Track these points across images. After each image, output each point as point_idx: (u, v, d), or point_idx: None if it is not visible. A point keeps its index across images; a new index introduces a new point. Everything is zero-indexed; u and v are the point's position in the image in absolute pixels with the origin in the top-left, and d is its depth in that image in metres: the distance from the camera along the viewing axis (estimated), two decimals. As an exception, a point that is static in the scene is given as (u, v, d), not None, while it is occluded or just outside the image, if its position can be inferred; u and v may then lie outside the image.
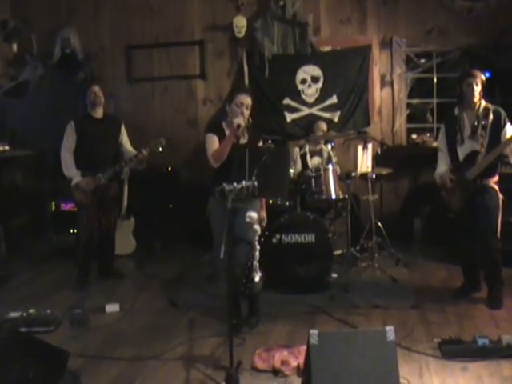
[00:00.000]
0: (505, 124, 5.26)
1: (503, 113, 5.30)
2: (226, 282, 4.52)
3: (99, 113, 6.38)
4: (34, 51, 8.67)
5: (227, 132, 4.97)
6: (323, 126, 7.35)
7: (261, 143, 5.12)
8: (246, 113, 4.92)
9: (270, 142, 4.93)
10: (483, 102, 5.33)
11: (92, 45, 8.69)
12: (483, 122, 5.24)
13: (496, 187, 5.34)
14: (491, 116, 5.26)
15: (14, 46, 8.67)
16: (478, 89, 5.24)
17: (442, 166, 5.52)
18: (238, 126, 4.77)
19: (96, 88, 6.35)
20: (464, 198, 5.35)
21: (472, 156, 5.27)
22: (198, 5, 8.45)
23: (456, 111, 5.46)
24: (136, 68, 8.70)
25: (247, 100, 4.93)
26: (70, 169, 6.23)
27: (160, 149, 6.35)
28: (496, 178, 5.35)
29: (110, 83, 8.69)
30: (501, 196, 5.34)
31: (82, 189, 6.19)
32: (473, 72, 5.31)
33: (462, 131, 5.34)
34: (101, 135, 6.30)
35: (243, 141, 4.95)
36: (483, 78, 5.28)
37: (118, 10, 8.63)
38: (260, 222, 4.99)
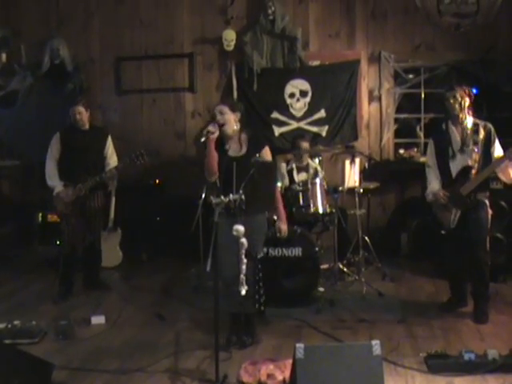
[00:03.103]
0: (494, 140, 5.31)
1: (492, 128, 5.33)
2: (222, 296, 4.53)
3: (86, 123, 6.38)
4: (23, 61, 8.66)
5: (226, 146, 4.96)
6: (305, 144, 7.28)
7: (267, 150, 5.01)
8: (221, 117, 4.87)
9: (257, 155, 4.86)
10: (471, 118, 5.36)
11: (81, 56, 8.69)
12: (474, 138, 5.28)
13: (487, 202, 5.37)
14: (482, 131, 5.29)
15: (3, 56, 8.64)
16: (457, 102, 5.27)
17: (434, 183, 5.51)
18: (208, 131, 4.72)
19: (80, 109, 6.27)
20: (457, 214, 5.35)
21: (466, 171, 5.29)
22: (188, 18, 8.48)
23: (445, 127, 5.48)
24: (125, 80, 8.70)
25: (218, 108, 4.93)
26: (52, 179, 6.25)
27: (142, 161, 6.33)
28: (487, 193, 5.38)
29: (99, 94, 8.71)
30: (490, 211, 5.38)
31: (62, 199, 6.18)
32: (452, 86, 5.36)
33: (452, 145, 5.36)
34: (85, 147, 6.27)
35: (241, 152, 4.92)
36: (467, 92, 5.31)
37: (108, 22, 8.64)
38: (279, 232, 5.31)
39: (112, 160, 6.47)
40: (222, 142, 4.95)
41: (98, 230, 6.70)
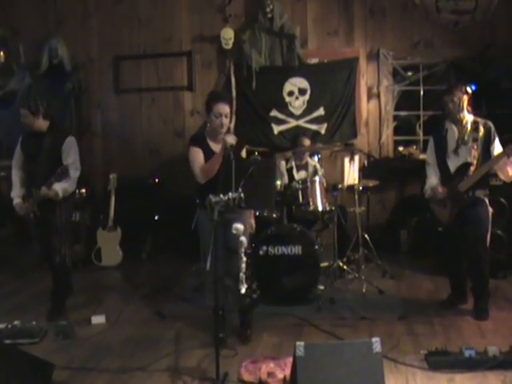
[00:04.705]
0: (494, 138, 5.31)
1: (492, 126, 5.33)
2: (212, 294, 4.50)
3: (41, 128, 5.65)
4: (22, 61, 8.66)
5: (211, 144, 4.90)
6: (306, 141, 7.31)
7: (244, 151, 5.01)
8: (226, 121, 4.80)
9: (256, 154, 4.84)
10: (471, 116, 5.36)
11: (80, 55, 8.70)
12: (474, 135, 5.28)
13: (486, 200, 5.36)
14: (481, 129, 5.28)
15: (1, 56, 8.64)
16: (456, 104, 5.25)
17: (433, 179, 5.51)
18: (231, 146, 4.60)
19: (24, 112, 5.55)
20: (454, 210, 5.36)
21: (464, 168, 5.28)
22: (186, 16, 8.48)
23: (445, 125, 5.47)
24: (124, 79, 8.71)
25: (225, 109, 4.79)
26: (13, 189, 5.74)
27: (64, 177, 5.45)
28: (487, 191, 5.37)
29: (98, 94, 8.72)
30: (490, 209, 5.37)
31: (17, 212, 5.70)
32: (450, 89, 5.34)
33: (452, 144, 5.36)
34: (39, 153, 5.60)
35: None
36: (464, 90, 5.29)
37: (106, 21, 8.64)
38: (250, 229, 5.02)
39: (71, 169, 5.51)
40: (205, 141, 4.92)
41: (58, 247, 5.73)
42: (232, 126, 4.82)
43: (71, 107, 8.55)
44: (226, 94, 7.18)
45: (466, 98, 5.28)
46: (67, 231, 5.81)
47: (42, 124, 5.62)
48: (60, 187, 5.45)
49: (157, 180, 8.32)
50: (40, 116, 5.59)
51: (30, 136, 5.72)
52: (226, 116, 4.80)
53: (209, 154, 4.85)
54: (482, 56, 7.73)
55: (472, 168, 5.25)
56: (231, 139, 4.66)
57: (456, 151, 5.33)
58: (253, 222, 5.20)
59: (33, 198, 5.53)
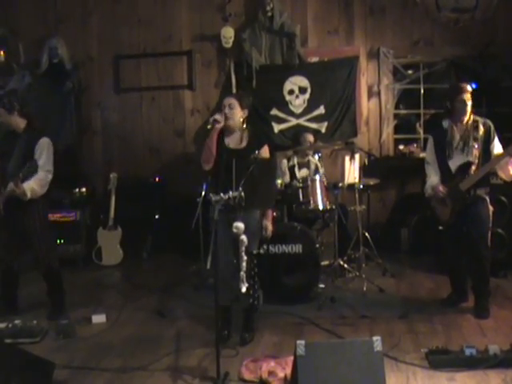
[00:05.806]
0: (494, 137, 5.30)
1: (492, 125, 5.32)
2: (218, 292, 4.51)
3: (17, 126, 5.46)
4: (22, 60, 8.65)
5: (226, 139, 4.96)
6: (310, 137, 7.38)
7: (266, 148, 4.97)
8: (229, 111, 4.85)
9: (256, 152, 4.85)
10: (471, 115, 5.35)
11: (80, 54, 8.70)
12: (474, 134, 5.27)
13: (487, 198, 5.36)
14: (481, 128, 5.28)
15: (1, 55, 8.63)
16: (465, 103, 5.24)
17: (434, 178, 5.50)
18: (214, 120, 4.75)
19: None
20: (456, 209, 5.35)
21: (465, 167, 5.28)
22: (186, 15, 8.48)
23: (445, 124, 5.44)
24: (124, 78, 8.71)
25: (229, 100, 4.90)
26: None
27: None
28: (488, 189, 5.36)
29: (98, 93, 8.71)
30: (491, 207, 5.37)
31: None
32: (465, 87, 5.29)
33: (452, 143, 5.35)
34: (13, 151, 5.38)
35: (240, 146, 4.92)
36: (471, 91, 5.29)
37: (106, 20, 8.64)
38: (264, 230, 5.04)
39: (41, 171, 5.32)
40: (222, 135, 4.94)
41: (42, 254, 5.58)
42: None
43: (71, 106, 8.55)
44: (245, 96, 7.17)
45: (470, 96, 5.27)
46: (46, 234, 5.58)
47: (18, 122, 5.45)
48: (28, 187, 5.21)
49: (157, 179, 8.32)
50: (15, 113, 5.41)
51: (7, 134, 5.54)
52: (229, 106, 4.87)
53: (222, 148, 4.90)
54: (483, 54, 7.72)
55: (473, 167, 5.24)
56: (217, 115, 4.81)
57: (457, 150, 5.32)
58: (269, 224, 5.07)
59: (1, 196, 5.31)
